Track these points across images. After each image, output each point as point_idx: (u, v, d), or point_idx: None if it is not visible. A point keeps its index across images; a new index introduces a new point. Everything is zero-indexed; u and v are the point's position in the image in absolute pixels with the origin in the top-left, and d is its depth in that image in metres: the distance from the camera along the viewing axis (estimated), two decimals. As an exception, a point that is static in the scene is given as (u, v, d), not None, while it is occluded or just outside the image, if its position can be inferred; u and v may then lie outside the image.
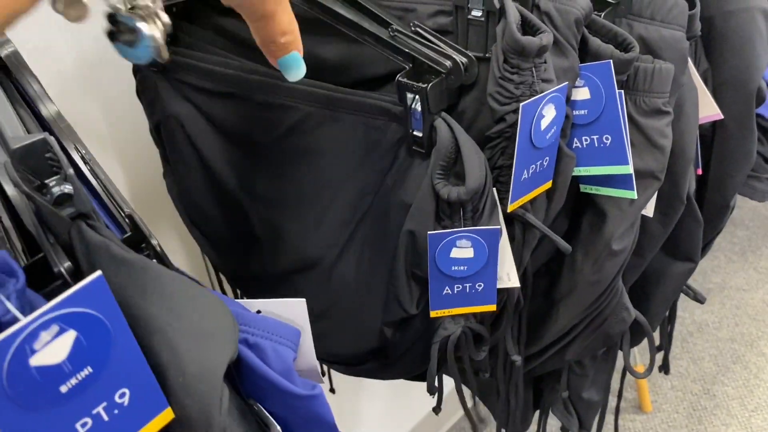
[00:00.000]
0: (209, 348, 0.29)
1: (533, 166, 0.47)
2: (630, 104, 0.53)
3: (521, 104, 0.44)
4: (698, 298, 0.73)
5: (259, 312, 0.36)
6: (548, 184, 0.51)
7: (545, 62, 0.45)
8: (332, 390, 1.00)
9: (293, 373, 0.34)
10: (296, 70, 0.37)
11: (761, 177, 0.81)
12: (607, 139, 0.49)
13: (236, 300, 0.35)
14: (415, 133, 0.48)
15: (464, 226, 0.47)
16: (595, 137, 0.50)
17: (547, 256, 0.60)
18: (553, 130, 0.47)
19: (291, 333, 0.35)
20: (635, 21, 0.54)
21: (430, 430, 1.52)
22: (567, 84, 0.47)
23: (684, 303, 1.96)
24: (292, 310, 0.36)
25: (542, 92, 0.45)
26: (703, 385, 1.66)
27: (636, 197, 0.54)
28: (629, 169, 0.50)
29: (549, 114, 0.46)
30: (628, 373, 0.85)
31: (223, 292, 0.81)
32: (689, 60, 0.59)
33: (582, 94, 0.49)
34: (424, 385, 0.63)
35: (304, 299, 0.36)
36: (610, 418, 0.85)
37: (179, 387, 0.28)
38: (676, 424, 1.58)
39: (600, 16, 0.54)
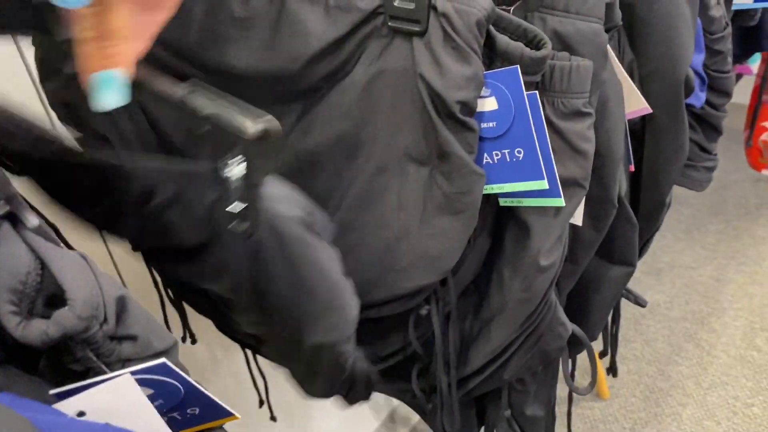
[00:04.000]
0: None
1: None
2: (547, 107, 0.48)
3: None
4: (639, 302, 0.70)
5: (82, 414, 0.29)
6: None
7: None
8: (273, 418, 0.94)
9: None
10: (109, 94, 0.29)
11: (697, 166, 0.78)
12: (519, 152, 0.44)
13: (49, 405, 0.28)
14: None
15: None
16: (506, 151, 0.44)
17: (473, 275, 0.55)
18: None
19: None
20: (549, 14, 0.49)
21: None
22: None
23: (635, 284, 1.96)
24: (120, 390, 0.30)
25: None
26: (658, 366, 1.65)
27: (564, 204, 0.50)
28: (545, 184, 0.45)
29: None
30: (581, 360, 0.82)
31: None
32: (612, 52, 0.55)
33: (489, 104, 0.44)
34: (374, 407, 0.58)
35: (128, 373, 0.30)
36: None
37: None
38: (634, 408, 1.57)
39: (509, 10, 0.49)
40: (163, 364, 0.34)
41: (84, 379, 0.34)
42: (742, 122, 1.49)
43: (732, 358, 1.63)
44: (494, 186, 0.46)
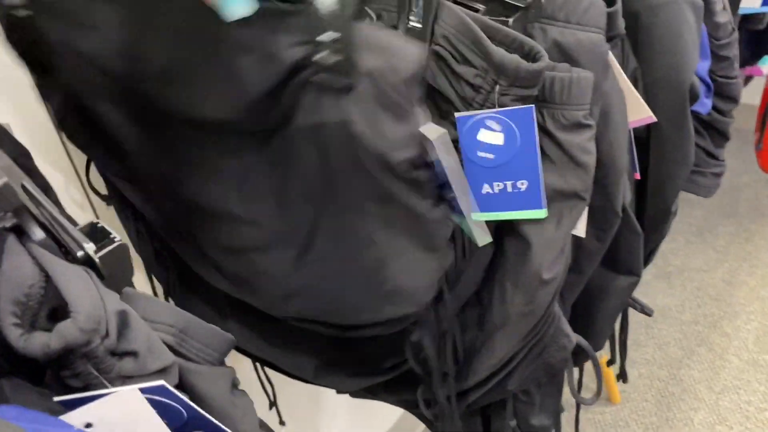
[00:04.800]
0: None
1: None
2: (548, 119, 0.48)
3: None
4: (645, 311, 0.69)
5: (89, 425, 0.29)
6: None
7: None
8: (282, 423, 0.94)
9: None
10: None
11: (705, 172, 0.77)
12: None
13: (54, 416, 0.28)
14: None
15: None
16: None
17: (474, 287, 0.55)
18: None
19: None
20: (549, 25, 0.49)
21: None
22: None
23: (646, 288, 1.95)
24: (129, 403, 0.29)
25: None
26: (670, 370, 1.64)
27: (545, 215, 0.49)
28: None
29: None
30: (587, 368, 0.82)
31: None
32: (615, 61, 0.55)
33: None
34: (384, 412, 0.58)
35: (136, 387, 0.30)
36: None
37: None
38: (646, 413, 1.56)
39: (508, 21, 0.48)
40: (162, 386, 0.34)
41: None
42: (754, 123, 1.47)
43: (744, 362, 1.61)
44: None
